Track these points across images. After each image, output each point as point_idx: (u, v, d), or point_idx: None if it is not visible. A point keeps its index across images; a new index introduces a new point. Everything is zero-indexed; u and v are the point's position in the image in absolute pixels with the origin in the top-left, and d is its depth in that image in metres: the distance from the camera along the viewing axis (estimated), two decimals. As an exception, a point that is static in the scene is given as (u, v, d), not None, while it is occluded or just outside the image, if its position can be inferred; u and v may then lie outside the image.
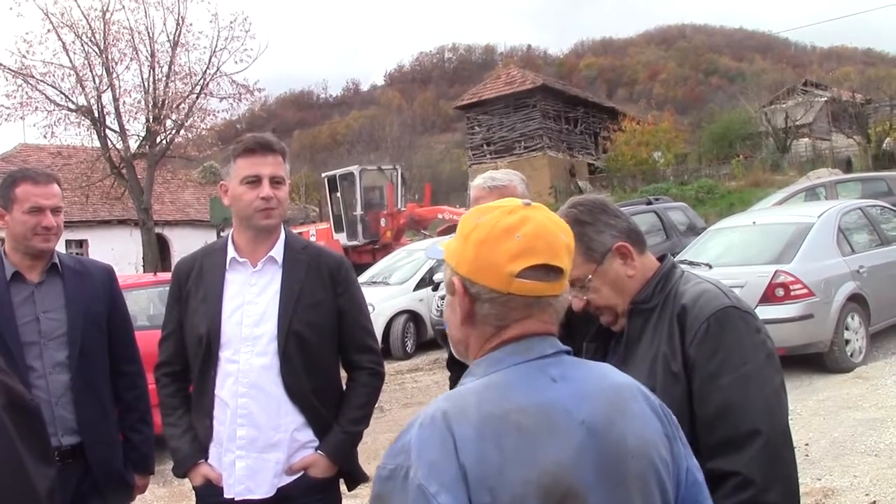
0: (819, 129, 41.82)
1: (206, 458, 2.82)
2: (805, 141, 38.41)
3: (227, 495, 2.74)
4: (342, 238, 22.64)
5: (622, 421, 1.37)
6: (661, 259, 2.19)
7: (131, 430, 3.26)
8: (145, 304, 8.48)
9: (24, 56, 22.26)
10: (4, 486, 1.18)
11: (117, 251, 23.11)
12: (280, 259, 2.83)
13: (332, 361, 2.92)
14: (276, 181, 2.75)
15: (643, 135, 39.31)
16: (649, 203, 14.60)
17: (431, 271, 13.48)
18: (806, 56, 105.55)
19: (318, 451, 2.79)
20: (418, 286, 13.71)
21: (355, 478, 2.96)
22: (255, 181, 2.74)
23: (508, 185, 2.95)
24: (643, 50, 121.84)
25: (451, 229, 20.51)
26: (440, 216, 22.24)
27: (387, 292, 13.59)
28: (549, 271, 1.38)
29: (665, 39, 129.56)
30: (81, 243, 27.51)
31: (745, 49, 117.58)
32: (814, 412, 7.06)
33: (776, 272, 8.45)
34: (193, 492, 2.92)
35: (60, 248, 3.26)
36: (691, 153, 42.33)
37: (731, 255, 9.53)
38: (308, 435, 2.79)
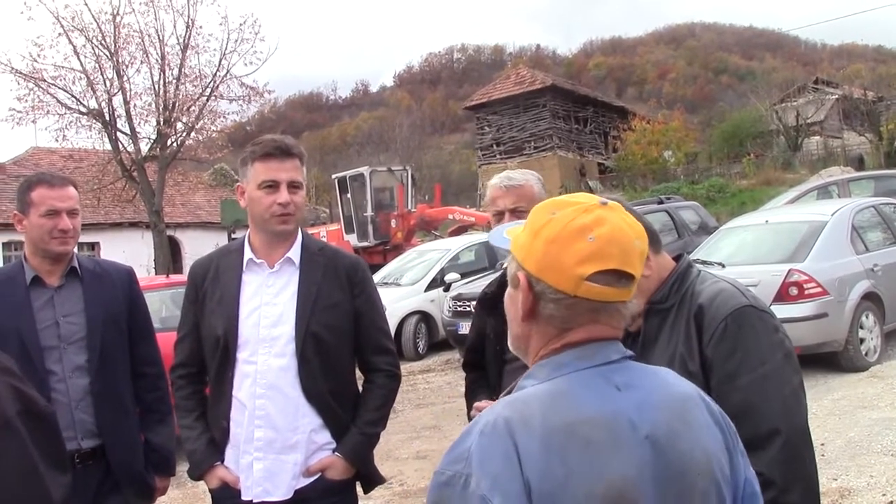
0: (830, 127, 41.60)
1: (222, 461, 2.82)
2: (816, 139, 38.22)
3: (244, 497, 2.75)
4: (353, 239, 22.66)
5: (687, 434, 1.34)
6: (677, 259, 2.18)
7: (152, 432, 3.26)
8: (158, 306, 8.50)
9: (36, 60, 22.39)
10: (19, 493, 1.17)
11: (129, 253, 23.12)
12: (297, 260, 2.83)
13: (348, 363, 2.92)
14: (293, 186, 2.75)
15: (653, 134, 39.18)
16: (660, 202, 14.56)
17: (443, 272, 13.48)
18: (816, 54, 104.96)
19: (336, 453, 2.78)
20: (430, 287, 13.71)
21: (372, 480, 2.95)
22: (272, 186, 2.73)
23: (525, 184, 2.93)
24: (652, 49, 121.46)
25: (461, 230, 20.54)
26: (451, 217, 22.24)
27: (398, 293, 13.59)
28: (620, 277, 1.33)
29: (674, 38, 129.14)
30: (93, 246, 27.60)
31: (755, 47, 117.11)
32: (829, 412, 7.02)
33: (790, 271, 8.41)
34: (206, 495, 2.92)
35: (72, 250, 3.27)
36: (702, 152, 42.16)
37: (743, 254, 9.49)
38: (325, 437, 2.79)
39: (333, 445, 2.79)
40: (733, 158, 36.77)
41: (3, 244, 25.18)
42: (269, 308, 2.78)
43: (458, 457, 1.26)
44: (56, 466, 1.26)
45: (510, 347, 1.50)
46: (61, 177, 3.12)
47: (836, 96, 43.42)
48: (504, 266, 1.56)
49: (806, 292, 8.30)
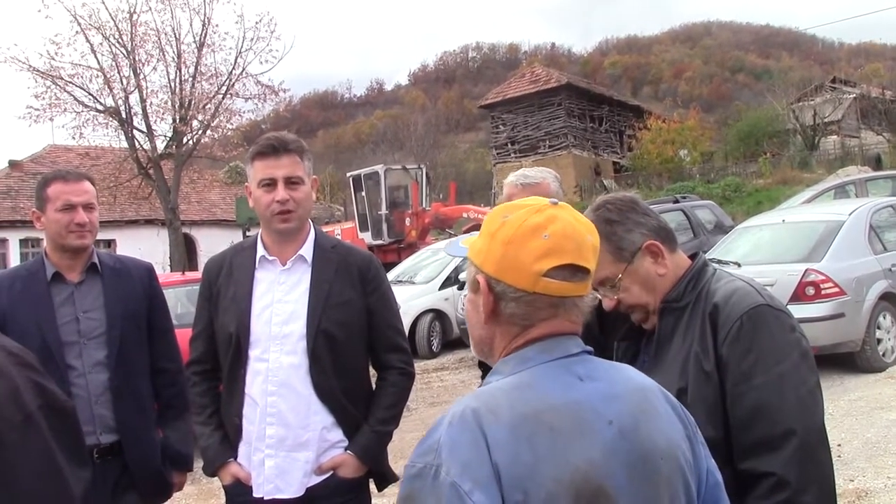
0: (848, 127, 41.34)
1: (236, 457, 2.82)
2: (833, 138, 37.97)
3: (256, 494, 2.75)
4: (367, 237, 22.71)
5: (649, 421, 1.37)
6: (693, 257, 2.16)
7: (170, 428, 3.27)
8: (173, 303, 8.53)
9: (53, 58, 22.50)
10: (39, 488, 1.18)
11: (144, 251, 23.24)
12: (310, 258, 2.82)
13: (361, 361, 2.90)
14: (291, 182, 2.73)
15: (669, 133, 39.08)
16: (676, 202, 14.50)
17: (457, 270, 13.47)
18: (834, 53, 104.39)
19: (348, 451, 2.78)
20: (444, 285, 13.72)
21: (385, 478, 2.94)
22: (270, 184, 2.72)
23: (542, 182, 2.92)
24: (668, 48, 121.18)
25: (475, 228, 20.48)
26: (465, 215, 22.23)
27: (412, 291, 13.59)
28: (575, 271, 1.37)
29: (690, 37, 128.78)
30: (109, 243, 27.78)
31: (772, 46, 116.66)
32: (846, 412, 6.97)
33: (807, 271, 8.36)
34: (220, 491, 2.93)
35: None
36: (718, 151, 41.98)
37: (760, 253, 9.43)
38: (337, 434, 2.78)
39: (346, 443, 2.79)
40: (749, 158, 36.57)
41: (21, 241, 25.36)
42: (280, 305, 2.77)
43: (427, 449, 1.28)
44: (76, 461, 1.26)
45: (474, 352, 1.54)
46: (77, 172, 3.14)
47: (854, 95, 43.15)
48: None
49: (823, 292, 8.24)
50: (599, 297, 2.05)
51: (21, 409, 1.18)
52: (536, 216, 1.39)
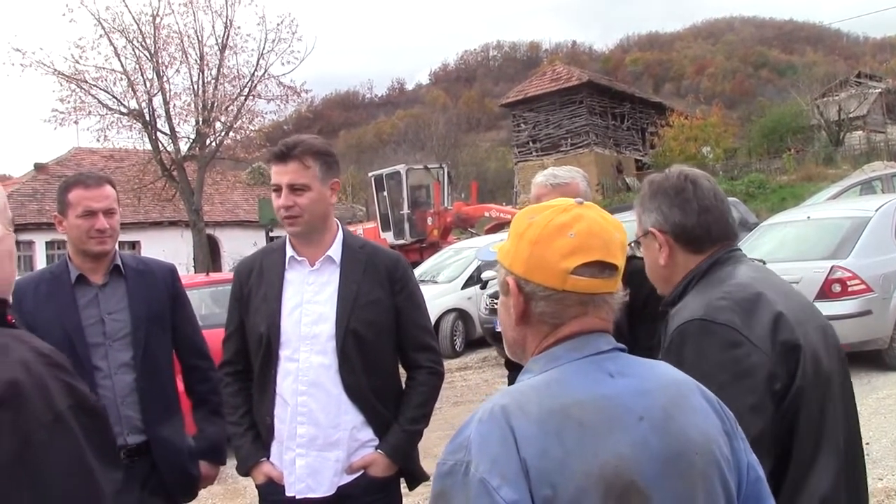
0: (873, 122, 40.91)
1: (268, 457, 2.85)
2: (859, 133, 37.59)
3: (288, 493, 2.77)
4: (389, 237, 22.71)
5: (682, 416, 1.37)
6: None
7: (204, 422, 3.31)
8: (198, 304, 8.58)
9: (78, 61, 22.75)
10: (70, 489, 1.18)
11: (168, 252, 23.43)
12: (338, 258, 2.84)
13: (390, 360, 2.92)
14: (296, 188, 2.74)
15: (691, 130, 38.81)
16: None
17: (479, 269, 13.46)
18: (858, 47, 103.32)
19: (378, 450, 2.79)
20: (466, 284, 13.72)
21: (416, 477, 2.96)
22: (277, 189, 2.77)
23: (571, 182, 2.92)
24: (690, 44, 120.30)
25: (498, 227, 20.50)
26: (487, 214, 22.20)
27: (435, 291, 13.59)
28: (603, 268, 1.38)
29: (712, 33, 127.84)
30: (134, 245, 28.00)
31: (796, 41, 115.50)
32: (874, 411, 6.91)
33: (833, 268, 8.28)
34: (246, 490, 2.94)
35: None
36: (741, 148, 41.64)
37: (785, 250, 9.36)
38: (368, 434, 2.80)
39: (376, 442, 2.80)
40: (773, 154, 36.27)
41: (47, 243, 25.62)
42: (310, 306, 2.80)
43: (458, 446, 1.30)
44: (107, 462, 1.26)
45: (508, 354, 1.54)
46: (97, 176, 3.14)
47: (880, 90, 42.71)
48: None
49: (849, 289, 8.17)
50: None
51: (51, 409, 1.19)
52: (562, 216, 1.41)
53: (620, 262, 1.41)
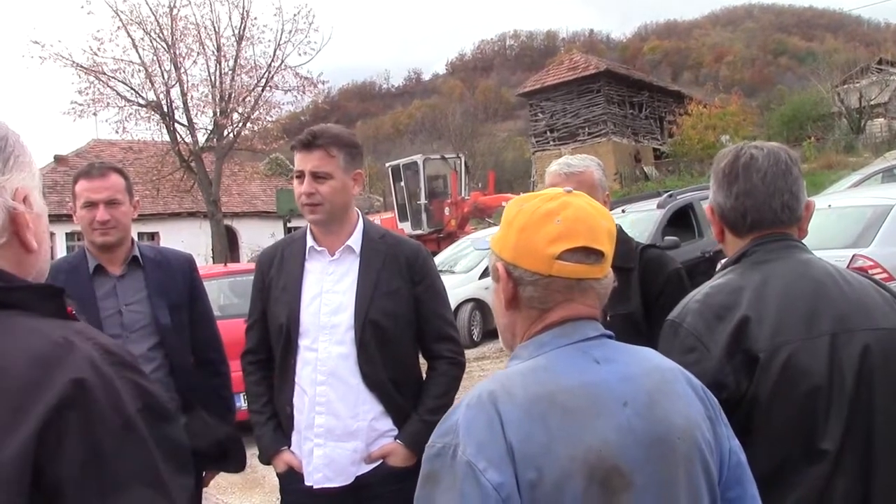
0: (895, 109, 40.42)
1: (289, 446, 2.85)
2: (880, 121, 37.15)
3: (306, 483, 2.77)
4: (406, 227, 22.73)
5: (666, 402, 1.40)
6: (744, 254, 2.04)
7: (214, 416, 3.29)
8: (217, 294, 8.61)
9: (96, 54, 22.83)
10: (140, 499, 1.11)
11: (187, 243, 23.41)
12: (358, 248, 2.83)
13: (410, 350, 2.90)
14: (318, 176, 2.73)
15: (710, 118, 38.47)
16: (718, 187, 14.27)
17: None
18: (879, 34, 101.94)
19: (397, 440, 2.78)
20: (483, 274, 13.68)
21: None
22: (300, 176, 2.76)
23: (585, 171, 2.88)
24: (709, 32, 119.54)
25: (515, 217, 20.40)
26: (504, 204, 21.89)
27: (452, 281, 13.55)
28: (589, 254, 1.41)
29: (731, 21, 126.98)
30: (153, 236, 28.16)
31: (816, 28, 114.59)
32: None
33: (854, 256, 8.19)
34: (265, 479, 2.94)
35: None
36: (760, 136, 41.26)
37: (806, 239, 9.23)
38: (387, 424, 2.79)
39: (395, 432, 2.79)
40: (793, 142, 35.89)
41: (67, 234, 25.79)
42: (329, 296, 2.79)
43: (447, 430, 1.34)
44: (178, 467, 1.18)
45: (501, 342, 1.59)
46: (103, 166, 3.11)
47: (901, 77, 42.16)
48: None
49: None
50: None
51: (120, 414, 1.12)
52: (550, 203, 1.45)
53: (607, 249, 1.43)
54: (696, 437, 1.39)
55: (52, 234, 25.70)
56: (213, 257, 23.71)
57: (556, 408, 1.31)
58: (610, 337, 1.47)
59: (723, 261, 2.09)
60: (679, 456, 1.36)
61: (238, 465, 3.22)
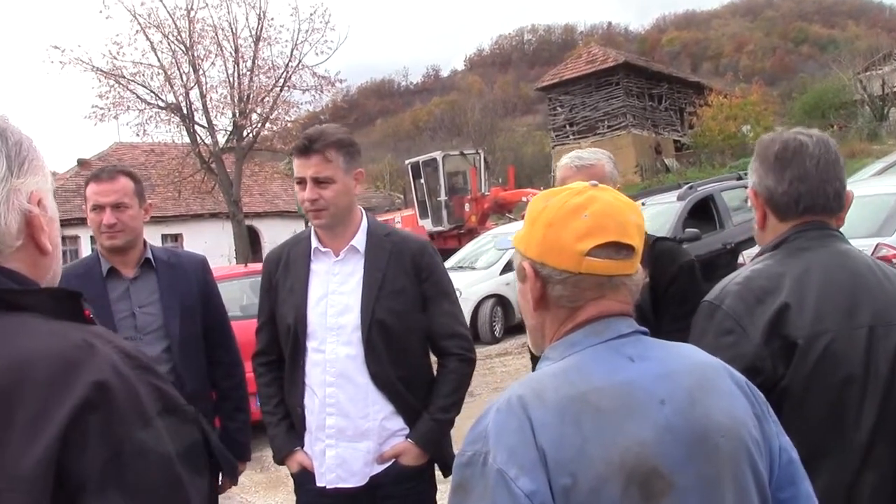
0: (919, 95, 39.89)
1: (303, 446, 2.85)
2: (904, 108, 36.70)
3: (319, 484, 2.77)
4: (427, 224, 22.72)
5: (707, 399, 1.33)
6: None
7: (227, 419, 3.30)
8: (238, 294, 8.64)
9: (115, 58, 22.95)
10: (158, 501, 1.13)
11: (210, 244, 23.63)
12: (362, 248, 2.82)
13: (418, 349, 2.88)
14: (320, 181, 2.71)
15: (731, 109, 38.18)
16: (740, 178, 14.17)
17: (517, 255, 13.40)
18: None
19: (408, 440, 2.78)
20: (504, 270, 13.65)
21: (449, 464, 2.92)
22: (301, 182, 2.74)
23: (596, 164, 2.86)
24: (728, 22, 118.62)
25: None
26: (524, 199, 22.03)
27: (473, 277, 13.58)
28: (619, 249, 1.36)
29: (751, 10, 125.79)
30: (176, 237, 28.37)
31: (837, 15, 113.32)
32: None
33: (878, 245, 8.09)
34: (288, 479, 2.95)
35: (157, 243, 3.30)
36: (783, 125, 40.83)
37: (829, 228, 9.16)
38: (398, 423, 2.78)
39: (407, 432, 2.79)
40: (816, 131, 35.55)
41: (91, 237, 25.97)
42: (335, 297, 2.78)
43: (476, 437, 1.29)
44: (194, 469, 1.20)
45: (530, 344, 1.53)
46: (112, 169, 3.10)
47: (925, 63, 41.60)
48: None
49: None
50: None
51: (142, 417, 1.14)
52: (576, 198, 1.39)
53: (637, 243, 1.38)
54: (743, 436, 1.33)
55: (76, 238, 25.97)
56: (235, 258, 23.83)
57: (589, 409, 1.26)
58: (645, 333, 1.41)
59: (756, 248, 2.08)
60: (724, 455, 1.29)
61: (231, 473, 3.25)
